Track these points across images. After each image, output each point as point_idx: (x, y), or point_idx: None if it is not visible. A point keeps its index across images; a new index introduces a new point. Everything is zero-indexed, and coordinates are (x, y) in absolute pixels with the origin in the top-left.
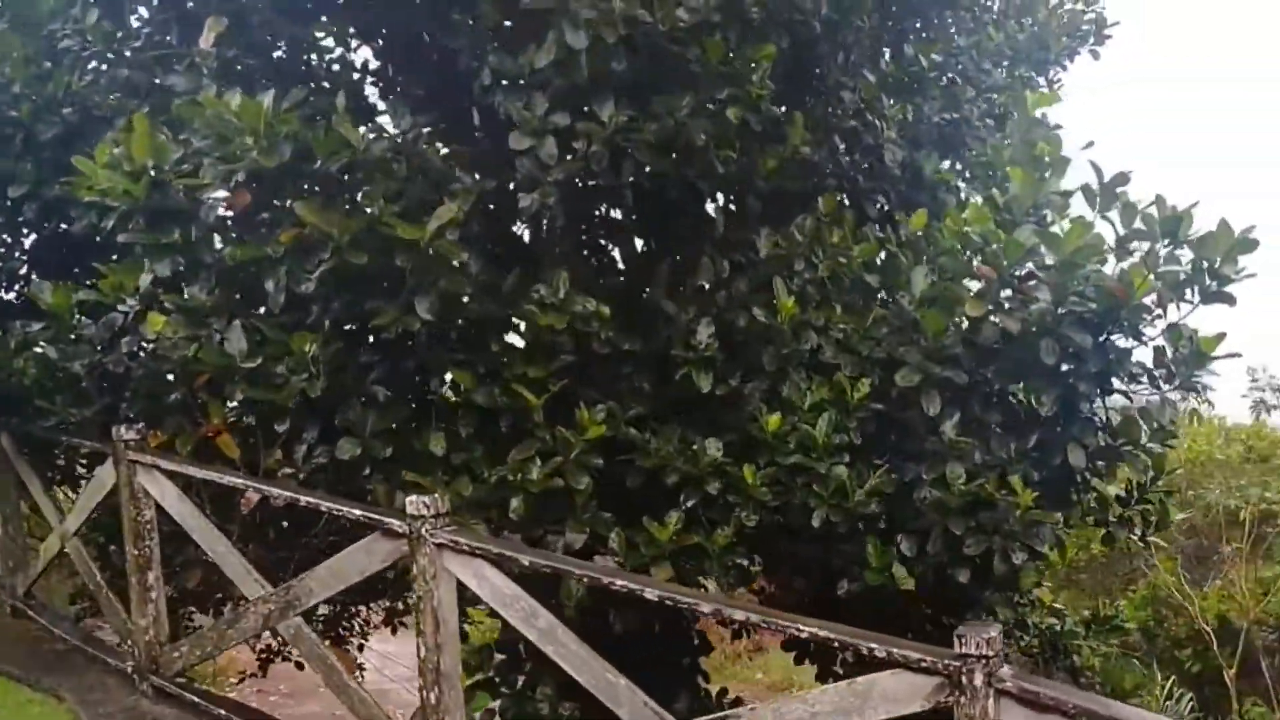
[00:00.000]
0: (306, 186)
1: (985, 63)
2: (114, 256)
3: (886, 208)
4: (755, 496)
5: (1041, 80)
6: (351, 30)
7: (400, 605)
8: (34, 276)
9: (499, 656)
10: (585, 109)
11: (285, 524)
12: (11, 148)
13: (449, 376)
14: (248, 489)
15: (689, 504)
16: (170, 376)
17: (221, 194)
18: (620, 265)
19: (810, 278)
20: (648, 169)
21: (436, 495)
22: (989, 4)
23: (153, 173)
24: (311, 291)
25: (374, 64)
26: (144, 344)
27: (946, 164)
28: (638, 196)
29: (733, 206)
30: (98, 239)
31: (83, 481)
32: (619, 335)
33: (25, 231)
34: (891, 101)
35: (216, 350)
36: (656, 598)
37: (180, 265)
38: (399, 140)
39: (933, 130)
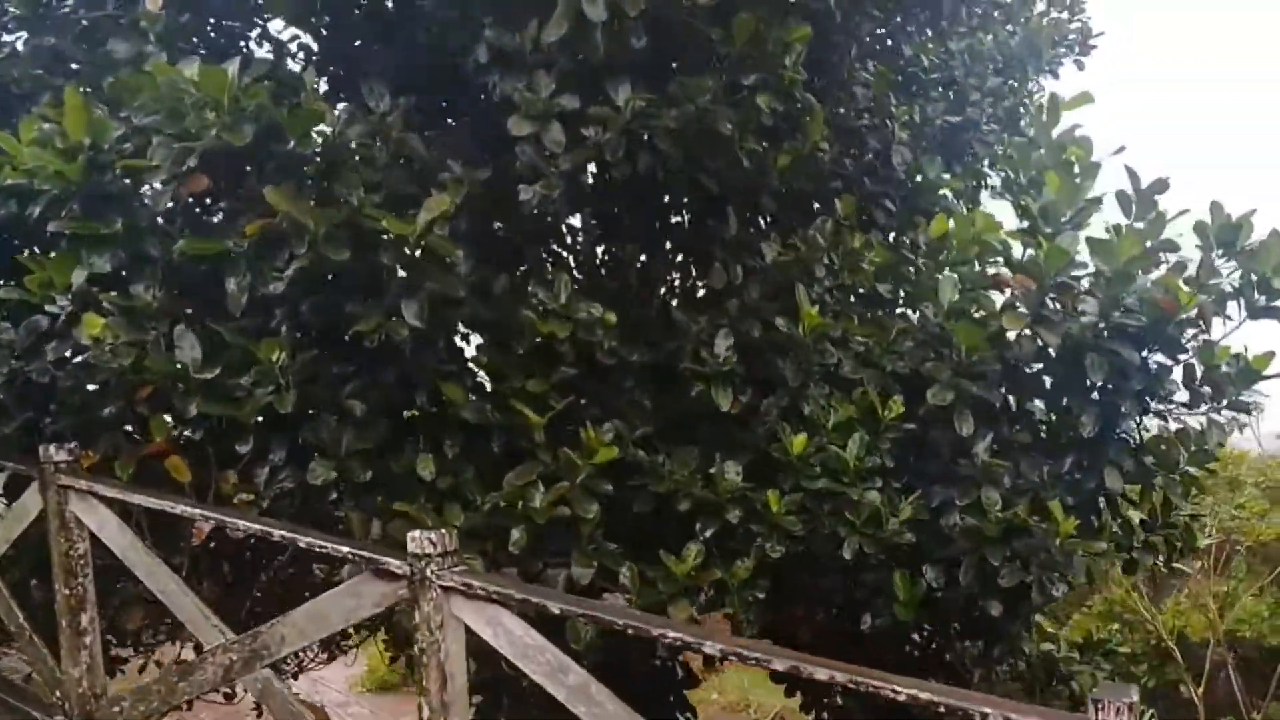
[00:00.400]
0: (272, 172)
1: (977, 67)
2: (35, 249)
3: (892, 213)
4: (781, 525)
5: (1032, 87)
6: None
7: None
8: None
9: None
10: (596, 91)
11: (241, 555)
12: None
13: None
14: (206, 520)
15: (706, 534)
16: (104, 387)
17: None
18: (616, 269)
19: (830, 285)
20: (666, 161)
21: (444, 531)
22: (979, 9)
23: (90, 152)
24: (280, 292)
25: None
26: (73, 350)
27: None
28: (642, 192)
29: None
30: (13, 234)
31: None
32: (623, 345)
33: None
34: (896, 102)
35: (165, 358)
36: (719, 653)
37: (122, 260)
38: (377, 124)
39: (936, 133)
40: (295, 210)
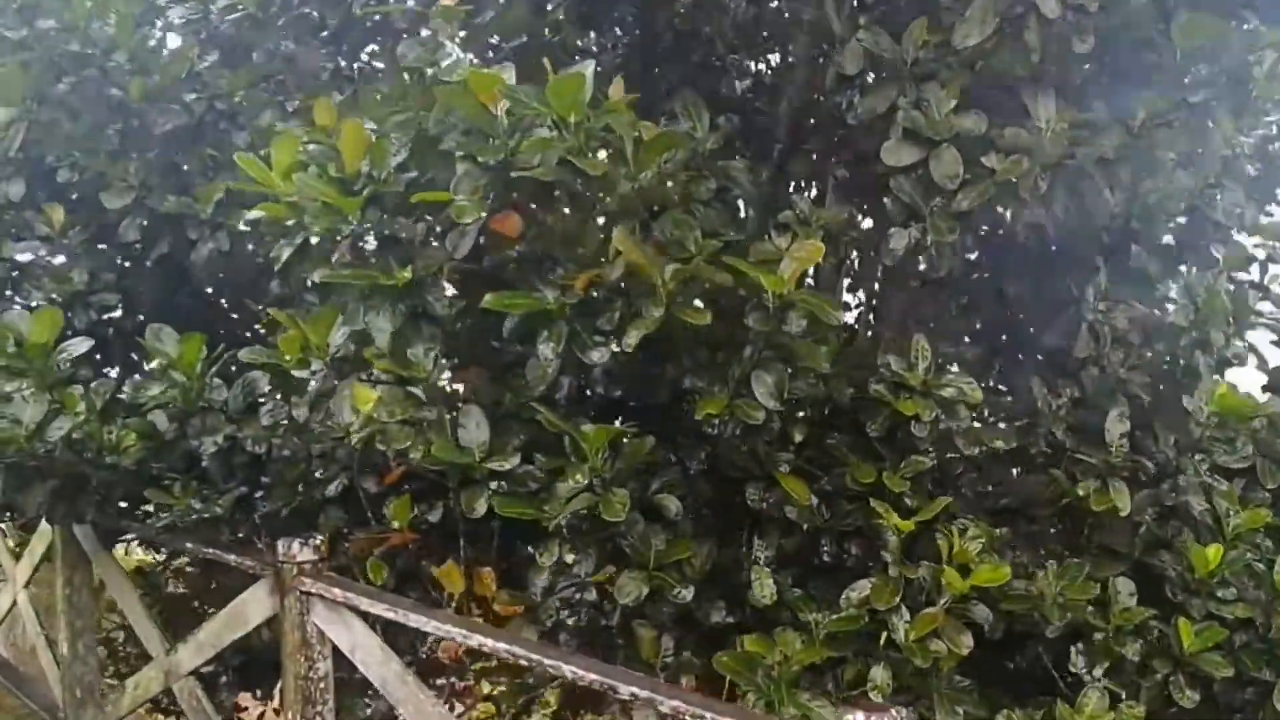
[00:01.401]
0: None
1: None
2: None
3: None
4: (1193, 664)
5: None
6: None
7: None
8: (122, 315)
9: None
10: (1006, 109)
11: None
12: (106, 139)
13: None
14: (541, 665)
15: (1095, 672)
16: (326, 459)
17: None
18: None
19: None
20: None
21: (902, 711)
22: None
23: (372, 183)
24: (604, 362)
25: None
26: (290, 414)
27: None
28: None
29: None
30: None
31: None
32: (983, 429)
33: (122, 256)
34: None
35: (450, 442)
36: None
37: (401, 317)
38: (699, 151)
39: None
40: (643, 259)
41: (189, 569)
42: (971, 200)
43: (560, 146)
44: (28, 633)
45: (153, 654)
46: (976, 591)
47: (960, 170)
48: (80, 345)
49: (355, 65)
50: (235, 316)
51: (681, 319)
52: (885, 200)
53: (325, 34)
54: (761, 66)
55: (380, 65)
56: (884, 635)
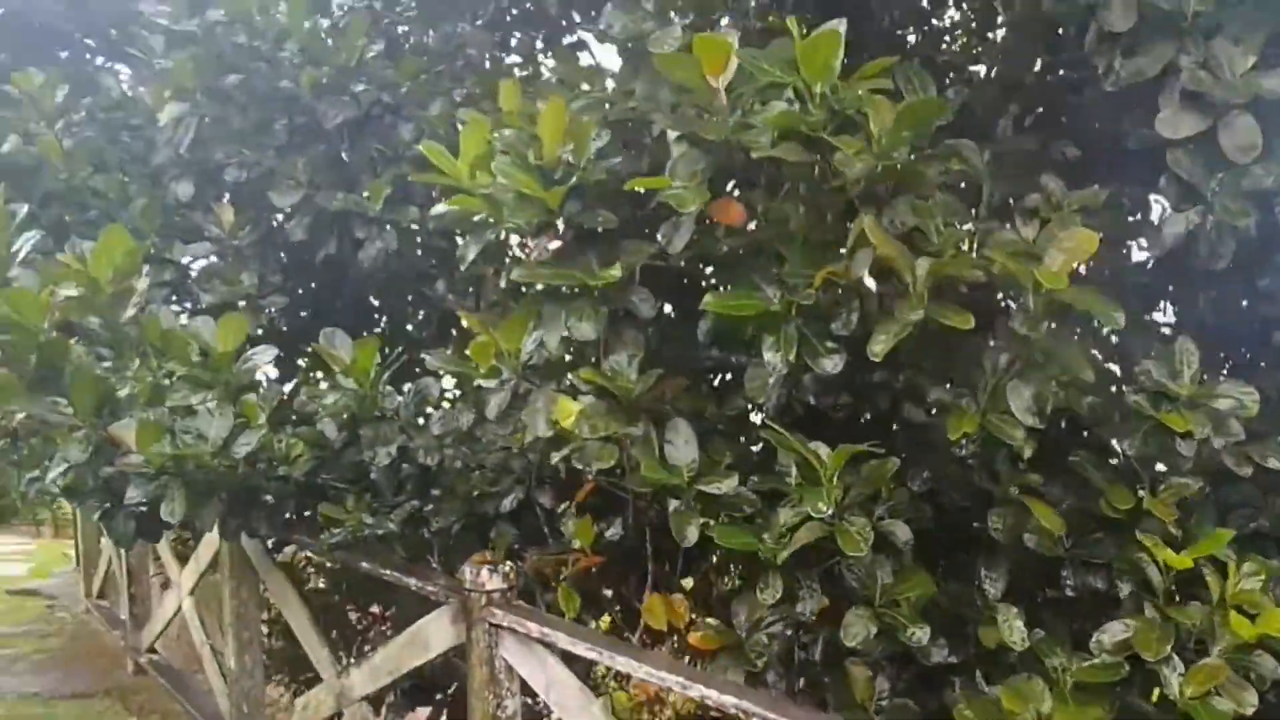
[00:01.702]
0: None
1: None
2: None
3: None
4: None
5: None
6: None
7: None
8: (282, 319)
9: None
10: None
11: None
12: (273, 135)
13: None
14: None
15: None
16: (498, 473)
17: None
18: None
19: None
20: None
21: None
22: None
23: (576, 170)
24: (835, 373)
25: None
26: (459, 424)
27: None
28: None
29: None
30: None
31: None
32: (1254, 445)
33: (285, 257)
34: None
35: (658, 462)
36: None
37: (603, 321)
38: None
39: None
40: (894, 252)
41: (328, 565)
42: (1278, 176)
43: (805, 122)
44: (192, 639)
45: (322, 675)
46: (1264, 640)
47: (1258, 140)
48: (265, 354)
49: (504, 55)
50: (389, 321)
51: (938, 322)
52: (1160, 178)
53: (479, 24)
54: (961, 32)
55: (517, 59)
56: (1155, 689)
